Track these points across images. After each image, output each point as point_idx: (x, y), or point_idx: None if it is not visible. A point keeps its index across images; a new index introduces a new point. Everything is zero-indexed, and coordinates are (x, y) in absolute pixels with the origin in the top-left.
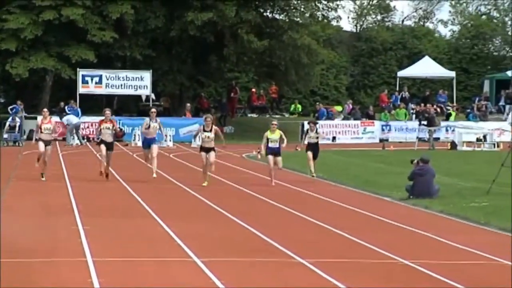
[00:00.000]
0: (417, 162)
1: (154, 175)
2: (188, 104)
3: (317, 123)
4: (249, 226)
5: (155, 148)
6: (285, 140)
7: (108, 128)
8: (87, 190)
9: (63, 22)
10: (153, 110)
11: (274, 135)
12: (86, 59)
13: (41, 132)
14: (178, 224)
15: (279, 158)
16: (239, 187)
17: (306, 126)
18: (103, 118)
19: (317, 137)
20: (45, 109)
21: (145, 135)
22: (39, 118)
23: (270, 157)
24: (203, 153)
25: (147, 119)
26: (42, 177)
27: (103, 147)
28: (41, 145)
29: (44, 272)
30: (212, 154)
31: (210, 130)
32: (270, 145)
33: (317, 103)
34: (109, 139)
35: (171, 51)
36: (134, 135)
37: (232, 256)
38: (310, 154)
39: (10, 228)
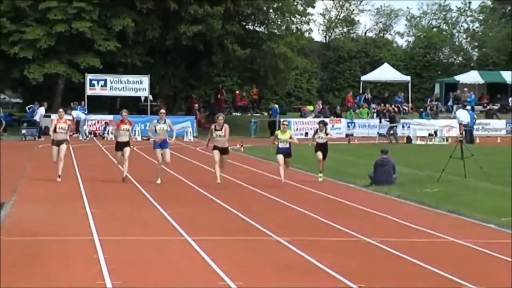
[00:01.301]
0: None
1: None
2: (196, 105)
3: (326, 123)
4: (235, 210)
5: (167, 152)
6: (295, 140)
7: (127, 130)
8: (95, 180)
9: (73, 34)
10: (162, 111)
11: (284, 136)
12: (93, 66)
13: (56, 131)
14: (173, 209)
15: (289, 159)
16: (227, 176)
17: (316, 126)
18: (120, 119)
19: (327, 137)
20: (61, 110)
21: (154, 138)
22: (53, 116)
23: (280, 156)
24: (215, 152)
25: (154, 120)
26: (58, 178)
27: (119, 153)
28: (54, 151)
29: (57, 249)
30: (224, 158)
31: (221, 129)
32: (280, 145)
33: (271, 102)
34: (125, 139)
35: (166, 58)
36: (134, 130)
37: (220, 235)
38: (320, 154)
39: (26, 212)
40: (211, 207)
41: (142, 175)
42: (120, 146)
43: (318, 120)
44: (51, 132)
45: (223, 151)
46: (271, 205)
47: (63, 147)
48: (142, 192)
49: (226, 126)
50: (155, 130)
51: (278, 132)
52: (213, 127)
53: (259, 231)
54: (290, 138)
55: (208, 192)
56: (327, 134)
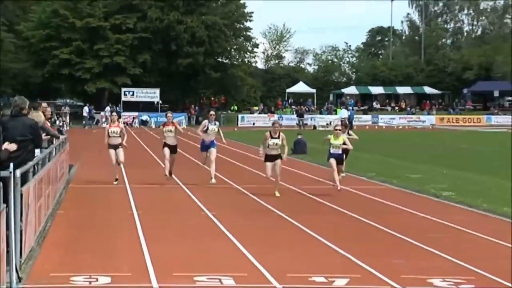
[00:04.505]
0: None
1: (213, 180)
2: (193, 105)
3: (347, 125)
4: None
5: (213, 151)
6: (350, 146)
7: (171, 131)
8: (128, 154)
9: (114, 64)
10: (212, 112)
11: (337, 141)
12: (126, 83)
13: (109, 136)
14: (177, 171)
15: (341, 166)
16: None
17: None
18: (165, 121)
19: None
20: (114, 113)
21: (204, 137)
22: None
23: (333, 160)
24: (268, 164)
25: (205, 121)
26: (116, 180)
27: (167, 150)
28: (112, 152)
29: (104, 192)
30: (278, 163)
31: (278, 137)
32: (332, 150)
33: (233, 104)
34: (173, 142)
35: (170, 79)
36: (151, 122)
37: (203, 184)
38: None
39: (86, 170)
40: (199, 169)
41: (159, 151)
42: (167, 146)
43: (261, 115)
44: (105, 138)
45: (276, 158)
46: (234, 167)
47: (120, 151)
48: (157, 161)
49: (282, 134)
50: (206, 130)
51: (330, 137)
52: (267, 134)
53: (228, 183)
54: (344, 143)
55: (200, 161)
56: (349, 135)
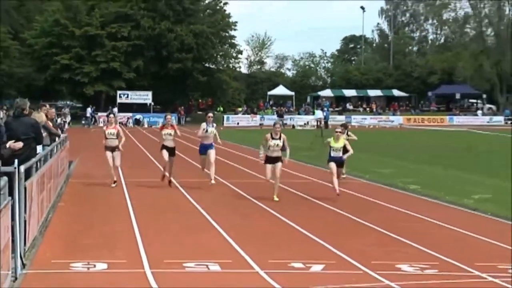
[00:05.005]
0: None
1: (213, 181)
2: (182, 107)
3: (347, 126)
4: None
5: (212, 153)
6: (351, 150)
7: (170, 134)
8: (126, 154)
9: (110, 68)
10: (210, 114)
11: (337, 144)
12: (121, 86)
13: (106, 138)
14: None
15: (341, 169)
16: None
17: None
18: (164, 123)
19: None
20: (112, 115)
21: (202, 140)
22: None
23: (333, 164)
24: (268, 166)
25: (203, 123)
26: (114, 183)
27: (165, 152)
28: (109, 155)
29: (101, 187)
30: (278, 166)
31: (279, 138)
32: (332, 154)
33: (219, 105)
34: (171, 144)
35: (161, 82)
36: (144, 122)
37: (192, 178)
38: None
39: (85, 166)
40: (188, 165)
41: (152, 149)
42: (166, 148)
43: (244, 116)
44: (103, 140)
45: (277, 160)
46: (219, 162)
47: (116, 154)
48: (150, 158)
49: (284, 136)
50: (206, 132)
51: (330, 140)
52: (268, 135)
53: (218, 180)
54: (345, 148)
55: (187, 156)
56: (348, 136)
